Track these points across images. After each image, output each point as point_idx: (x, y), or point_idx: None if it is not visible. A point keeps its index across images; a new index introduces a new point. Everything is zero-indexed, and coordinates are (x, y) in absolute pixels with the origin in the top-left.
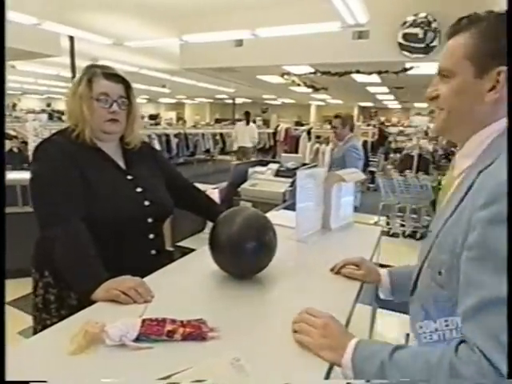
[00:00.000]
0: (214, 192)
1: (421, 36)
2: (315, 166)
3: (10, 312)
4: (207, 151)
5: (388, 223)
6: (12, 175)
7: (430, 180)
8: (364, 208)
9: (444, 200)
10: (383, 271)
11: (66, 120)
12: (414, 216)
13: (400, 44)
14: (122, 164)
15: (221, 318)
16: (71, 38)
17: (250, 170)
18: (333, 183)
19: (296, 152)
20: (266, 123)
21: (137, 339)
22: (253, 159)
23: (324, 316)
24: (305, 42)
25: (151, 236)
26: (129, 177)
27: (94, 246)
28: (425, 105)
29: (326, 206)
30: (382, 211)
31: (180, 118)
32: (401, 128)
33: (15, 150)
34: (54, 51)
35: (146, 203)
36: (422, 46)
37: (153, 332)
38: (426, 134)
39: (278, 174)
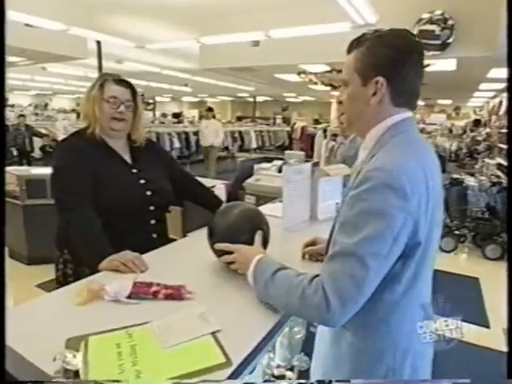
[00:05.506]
0: (221, 187)
1: (437, 33)
2: (317, 164)
3: (39, 293)
4: (226, 148)
5: None
6: (42, 170)
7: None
8: None
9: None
10: None
11: (82, 120)
12: None
13: None
14: (128, 159)
15: (201, 287)
16: (98, 42)
17: (256, 167)
18: (319, 178)
19: (312, 150)
20: (287, 121)
21: (129, 297)
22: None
23: None
24: (319, 41)
25: (153, 222)
26: (134, 170)
27: (102, 227)
28: (449, 101)
29: (313, 199)
30: None
31: (202, 116)
32: (422, 125)
33: (48, 148)
34: (82, 54)
35: (148, 193)
36: (439, 42)
37: (141, 292)
38: (451, 131)
39: (280, 170)
